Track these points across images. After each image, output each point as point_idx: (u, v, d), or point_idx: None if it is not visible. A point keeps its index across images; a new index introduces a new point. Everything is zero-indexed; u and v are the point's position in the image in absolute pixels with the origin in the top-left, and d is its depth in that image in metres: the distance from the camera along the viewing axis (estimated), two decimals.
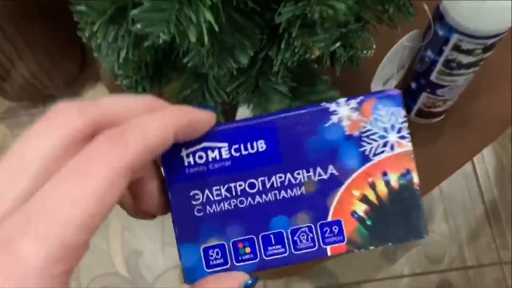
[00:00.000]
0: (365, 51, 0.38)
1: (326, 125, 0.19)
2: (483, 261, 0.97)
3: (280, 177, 0.19)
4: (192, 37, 0.28)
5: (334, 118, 0.19)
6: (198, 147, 0.19)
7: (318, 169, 0.19)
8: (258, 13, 0.33)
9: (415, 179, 0.20)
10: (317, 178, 0.19)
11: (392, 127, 0.19)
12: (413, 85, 0.48)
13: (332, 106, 0.19)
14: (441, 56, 0.42)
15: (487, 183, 1.03)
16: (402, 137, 0.20)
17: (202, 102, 0.41)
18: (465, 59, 0.41)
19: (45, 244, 0.13)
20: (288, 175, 0.19)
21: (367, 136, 0.19)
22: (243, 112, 0.49)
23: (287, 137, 0.19)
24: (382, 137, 0.19)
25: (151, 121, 0.16)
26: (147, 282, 0.91)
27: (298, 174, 0.19)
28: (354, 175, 0.19)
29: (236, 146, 0.19)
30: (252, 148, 0.19)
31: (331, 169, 0.19)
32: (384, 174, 0.19)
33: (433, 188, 0.52)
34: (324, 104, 0.19)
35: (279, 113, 0.20)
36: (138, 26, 0.29)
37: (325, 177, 0.19)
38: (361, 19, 0.40)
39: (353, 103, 0.19)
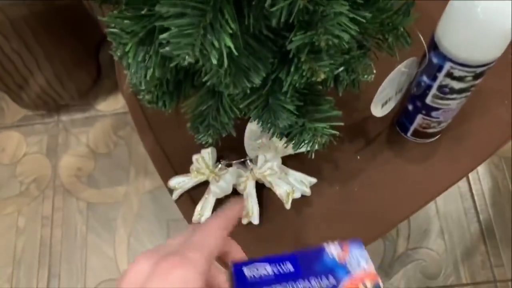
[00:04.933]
0: (365, 76, 0.42)
1: (326, 257, 0.32)
2: (477, 278, 0.99)
3: (302, 283, 0.31)
4: (213, 60, 0.32)
5: (330, 254, 0.32)
6: (254, 266, 0.31)
7: (324, 279, 0.31)
8: (271, 39, 0.37)
9: (381, 285, 0.31)
10: (324, 284, 0.31)
11: (361, 257, 0.32)
12: (410, 107, 0.51)
13: (328, 248, 0.32)
14: (435, 82, 0.45)
15: (482, 203, 1.06)
16: (369, 263, 0.32)
17: (216, 116, 0.45)
18: (457, 85, 0.44)
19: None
20: (306, 281, 0.31)
21: (349, 262, 0.31)
22: (252, 128, 0.53)
23: (304, 263, 0.31)
24: (357, 263, 0.32)
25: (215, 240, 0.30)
26: None
27: (312, 281, 0.31)
28: (344, 283, 0.31)
29: (275, 267, 0.31)
30: (285, 268, 0.31)
31: (331, 279, 0.31)
32: (363, 282, 0.31)
33: (427, 203, 0.56)
34: (324, 246, 0.32)
35: (299, 252, 0.32)
36: (167, 48, 0.32)
37: (328, 284, 0.31)
38: (363, 46, 0.44)
39: (338, 248, 0.32)
